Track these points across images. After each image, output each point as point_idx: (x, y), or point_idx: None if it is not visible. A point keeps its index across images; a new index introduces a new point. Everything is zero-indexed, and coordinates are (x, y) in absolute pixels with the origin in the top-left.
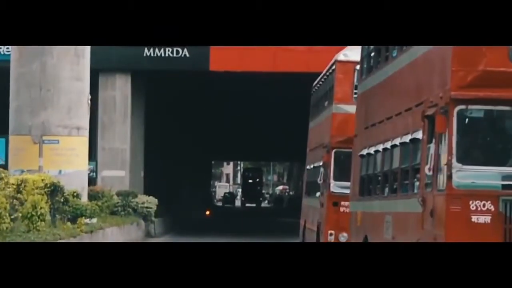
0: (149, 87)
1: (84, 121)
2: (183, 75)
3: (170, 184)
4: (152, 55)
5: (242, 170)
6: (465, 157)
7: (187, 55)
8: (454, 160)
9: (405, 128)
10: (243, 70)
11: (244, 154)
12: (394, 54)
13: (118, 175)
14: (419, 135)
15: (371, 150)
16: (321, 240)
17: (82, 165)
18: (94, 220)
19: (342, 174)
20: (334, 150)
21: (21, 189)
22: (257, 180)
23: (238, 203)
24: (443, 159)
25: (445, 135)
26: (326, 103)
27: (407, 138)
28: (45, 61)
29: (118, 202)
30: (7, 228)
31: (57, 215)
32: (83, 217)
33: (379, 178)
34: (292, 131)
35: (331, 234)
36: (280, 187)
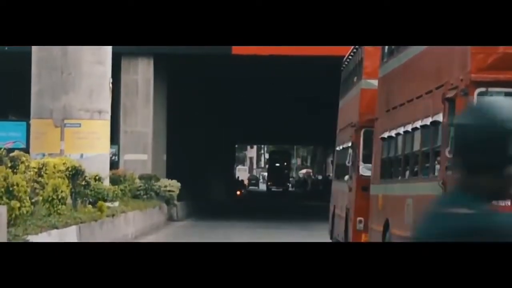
0: (171, 71)
1: (106, 105)
2: (205, 59)
3: (193, 168)
4: None
5: (268, 153)
6: None
7: None
8: None
9: (426, 110)
10: (265, 53)
11: (268, 138)
12: None
13: (140, 158)
14: (439, 117)
15: (392, 133)
16: (350, 228)
17: (104, 148)
18: (116, 204)
19: (373, 155)
20: (363, 130)
21: (42, 172)
22: (285, 163)
23: (262, 186)
24: None
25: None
26: (355, 79)
27: (427, 121)
28: (66, 46)
29: (140, 186)
30: (27, 211)
31: (78, 199)
32: (105, 201)
33: (400, 161)
34: (315, 114)
35: (360, 221)
36: (304, 171)
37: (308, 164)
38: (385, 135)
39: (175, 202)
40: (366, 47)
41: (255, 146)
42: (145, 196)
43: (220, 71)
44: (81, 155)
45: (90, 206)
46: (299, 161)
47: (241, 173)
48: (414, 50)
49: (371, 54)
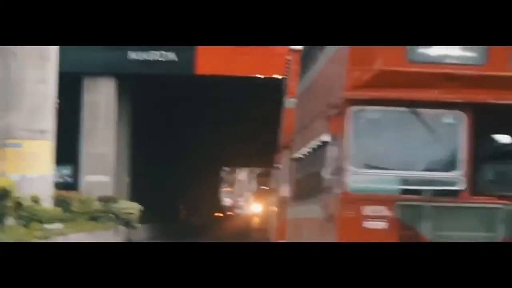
0: (135, 91)
1: (49, 125)
2: (169, 79)
3: (165, 190)
4: (137, 58)
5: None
6: (360, 160)
7: (175, 59)
8: (348, 164)
9: (318, 130)
10: (230, 73)
11: (249, 160)
12: (318, 54)
13: (102, 180)
14: (325, 137)
15: (299, 154)
16: None
17: (45, 169)
18: (59, 226)
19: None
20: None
21: None
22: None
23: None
24: (339, 163)
25: (341, 137)
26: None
27: (317, 141)
28: (8, 63)
29: (98, 208)
30: None
31: (4, 220)
32: (39, 222)
33: (303, 182)
34: None
35: None
36: None
37: None
38: (295, 155)
39: (135, 224)
40: (291, 65)
41: (246, 169)
42: (103, 219)
43: (185, 91)
44: (23, 176)
45: (23, 228)
46: None
47: (228, 195)
48: (317, 68)
49: (294, 72)
